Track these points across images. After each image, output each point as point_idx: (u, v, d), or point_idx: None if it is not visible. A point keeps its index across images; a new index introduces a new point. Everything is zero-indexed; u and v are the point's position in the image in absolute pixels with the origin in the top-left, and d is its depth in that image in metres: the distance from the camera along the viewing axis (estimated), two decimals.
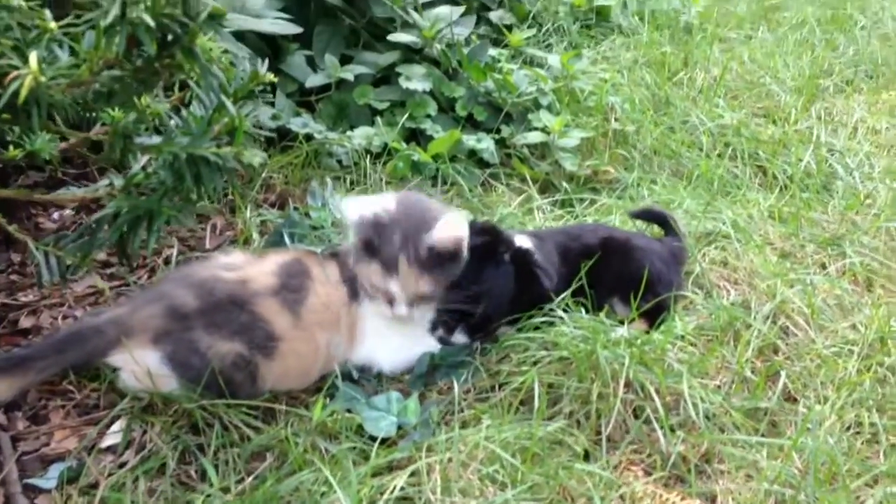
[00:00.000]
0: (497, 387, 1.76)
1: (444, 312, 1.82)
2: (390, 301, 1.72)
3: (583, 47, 3.51)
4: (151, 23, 1.11)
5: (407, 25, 2.90)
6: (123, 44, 1.11)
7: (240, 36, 2.61)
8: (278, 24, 2.69)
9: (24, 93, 1.08)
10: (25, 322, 1.87)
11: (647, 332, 1.91)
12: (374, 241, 1.69)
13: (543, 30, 3.54)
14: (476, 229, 1.85)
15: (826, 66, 3.66)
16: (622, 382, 1.67)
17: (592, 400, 1.67)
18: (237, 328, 1.61)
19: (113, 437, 1.60)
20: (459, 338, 1.85)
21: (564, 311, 1.83)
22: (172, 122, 1.29)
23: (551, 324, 1.83)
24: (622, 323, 1.92)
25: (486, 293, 1.83)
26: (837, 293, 2.10)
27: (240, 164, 1.25)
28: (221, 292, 1.62)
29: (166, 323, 1.59)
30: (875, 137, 3.07)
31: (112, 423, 1.63)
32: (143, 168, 1.28)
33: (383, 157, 2.58)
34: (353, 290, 1.75)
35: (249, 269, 1.69)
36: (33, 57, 1.11)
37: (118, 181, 1.26)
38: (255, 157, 1.25)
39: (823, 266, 2.27)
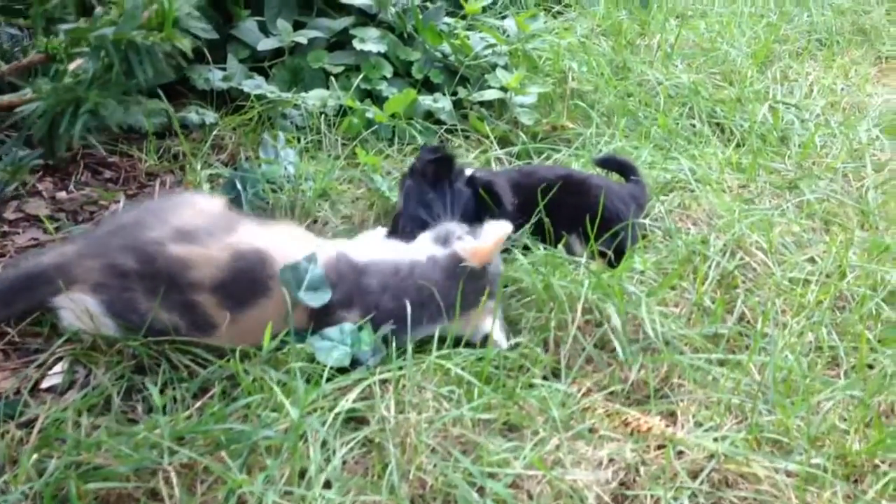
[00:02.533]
0: None
1: (407, 221, 1.80)
2: None
3: (540, 18, 3.50)
4: None
5: None
6: None
7: None
8: None
9: None
10: None
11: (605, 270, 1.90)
12: None
13: (500, 2, 3.53)
14: (431, 151, 1.88)
15: (781, 35, 3.69)
16: (580, 309, 1.64)
17: (551, 328, 1.64)
18: (175, 305, 1.53)
19: (55, 378, 1.54)
20: None
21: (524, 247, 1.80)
22: (98, 9, 1.24)
23: (512, 258, 1.80)
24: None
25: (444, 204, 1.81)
26: (795, 230, 2.09)
27: (173, 51, 1.20)
28: (162, 266, 1.52)
29: (106, 277, 1.53)
30: (831, 96, 3.09)
31: (54, 364, 1.57)
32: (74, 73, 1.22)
33: (338, 119, 2.54)
34: None
35: (201, 247, 1.53)
36: None
37: (46, 85, 1.21)
38: (187, 43, 1.20)
39: (782, 212, 2.27)
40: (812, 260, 1.98)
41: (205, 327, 1.53)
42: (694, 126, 2.78)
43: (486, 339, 1.59)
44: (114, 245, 1.55)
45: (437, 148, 1.89)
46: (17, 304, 1.58)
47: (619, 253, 1.93)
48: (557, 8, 3.70)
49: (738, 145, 2.69)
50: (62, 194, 2.13)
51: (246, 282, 1.54)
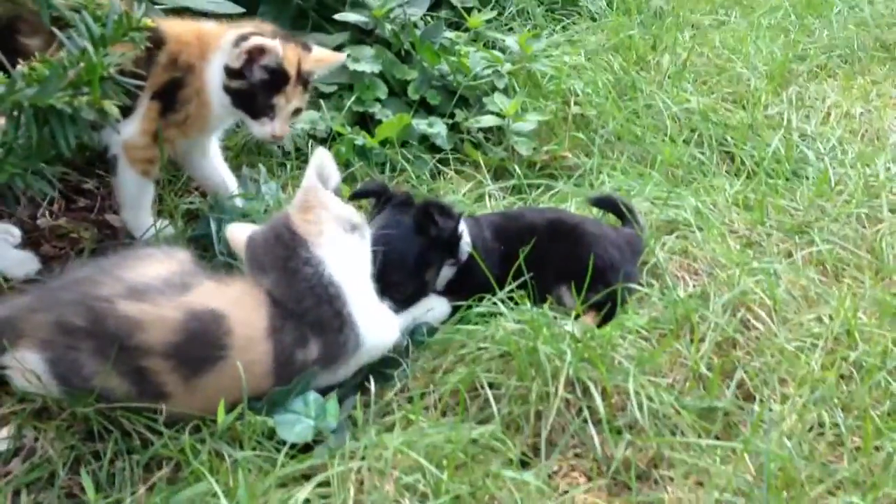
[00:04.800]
0: (431, 386, 1.61)
1: None
2: None
3: (547, 31, 3.37)
4: None
5: (357, 5, 2.75)
6: None
7: (177, 13, 2.46)
8: (217, 4, 2.54)
9: None
10: None
11: (599, 328, 1.78)
12: None
13: (507, 13, 3.39)
14: (364, 190, 1.87)
15: (800, 51, 3.53)
16: (563, 381, 1.53)
17: (532, 400, 1.53)
18: (126, 370, 1.42)
19: (0, 444, 1.45)
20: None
21: (507, 301, 1.69)
22: (19, 69, 1.13)
23: (492, 316, 1.69)
24: (570, 316, 1.79)
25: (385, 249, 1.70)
26: (803, 283, 1.96)
27: (99, 114, 1.09)
28: (112, 327, 1.41)
29: (52, 334, 1.43)
30: (849, 123, 2.94)
31: (1, 427, 1.48)
32: None
33: (328, 142, 2.43)
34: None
35: (154, 307, 1.43)
36: None
37: None
38: (111, 106, 1.09)
39: (790, 255, 2.14)
40: (819, 319, 1.85)
41: (156, 396, 1.43)
42: (703, 153, 2.65)
43: None
44: (64, 300, 1.46)
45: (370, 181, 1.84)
46: None
47: (613, 305, 1.81)
48: (566, 22, 3.55)
49: (748, 176, 2.56)
50: (35, 222, 2.05)
51: (200, 345, 1.43)
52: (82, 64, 1.07)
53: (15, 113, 1.03)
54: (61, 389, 1.45)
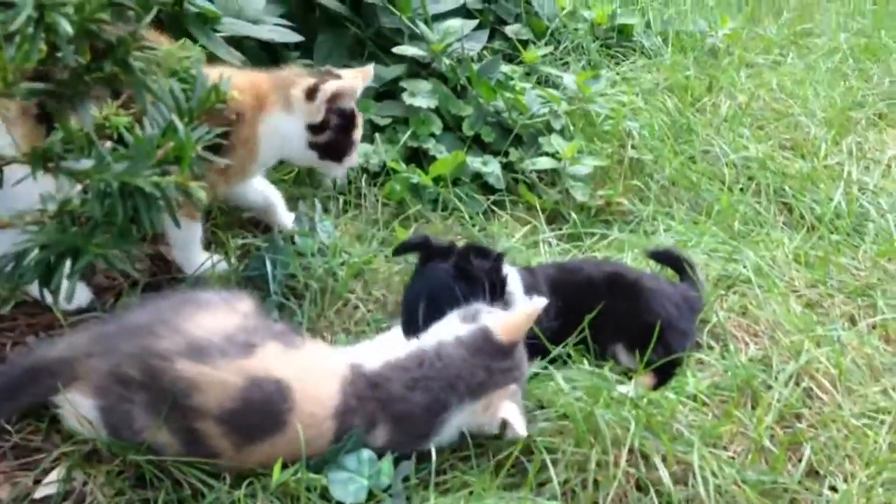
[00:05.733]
0: (485, 448, 1.57)
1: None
2: None
3: (602, 67, 3.32)
4: (69, 28, 0.93)
5: (415, 38, 2.73)
6: (37, 52, 0.94)
7: (237, 42, 2.46)
8: (277, 32, 2.54)
9: None
10: None
11: (655, 389, 1.74)
12: None
13: (561, 47, 3.36)
14: (407, 246, 1.83)
15: (859, 98, 3.46)
16: (625, 450, 1.49)
17: (590, 469, 1.49)
18: (178, 428, 1.40)
19: (50, 488, 1.43)
20: None
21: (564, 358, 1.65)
22: (108, 144, 1.11)
23: (548, 375, 1.65)
24: (626, 375, 1.76)
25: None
26: (867, 351, 1.90)
27: (185, 195, 1.07)
28: (168, 384, 1.39)
29: (107, 382, 1.41)
30: None
31: (52, 468, 1.46)
32: (84, 190, 1.10)
33: (381, 176, 2.41)
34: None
35: (214, 370, 1.39)
36: None
37: (52, 204, 1.09)
38: (199, 189, 1.07)
39: (852, 319, 2.08)
40: (885, 392, 1.79)
41: (207, 455, 1.41)
42: (759, 203, 2.59)
43: (504, 427, 1.50)
44: (121, 349, 1.43)
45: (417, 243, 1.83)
46: (21, 399, 1.49)
47: (671, 365, 1.76)
48: (621, 59, 3.51)
49: (809, 229, 2.49)
50: None
51: (259, 415, 1.40)
52: (171, 143, 1.05)
53: (102, 190, 1.00)
54: (111, 438, 1.44)
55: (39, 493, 1.43)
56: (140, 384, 1.39)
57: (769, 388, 1.72)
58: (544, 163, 2.46)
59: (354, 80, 1.93)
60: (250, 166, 1.90)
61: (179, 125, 1.08)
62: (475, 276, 1.72)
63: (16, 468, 1.47)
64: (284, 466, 1.38)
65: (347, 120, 1.87)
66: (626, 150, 2.64)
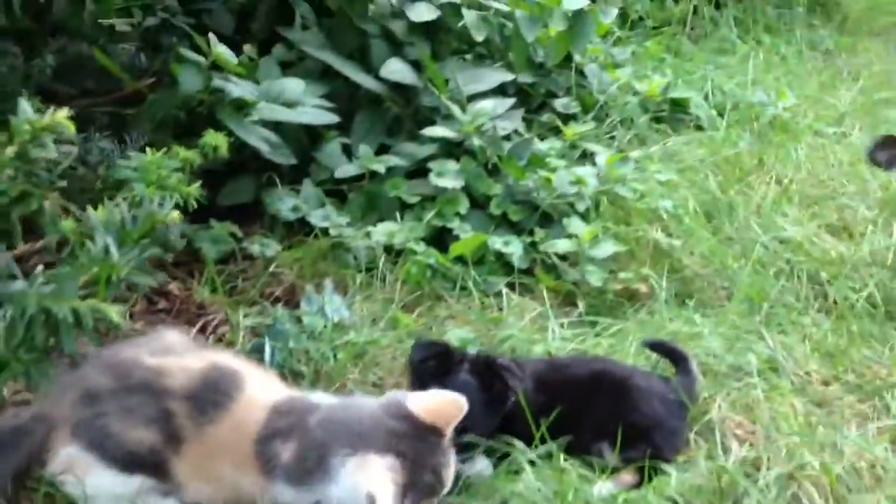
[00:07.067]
0: None
1: None
2: None
3: (650, 142, 3.31)
4: None
5: (449, 117, 2.81)
6: None
7: (275, 123, 2.59)
8: (315, 114, 2.67)
9: None
10: None
11: (637, 487, 1.73)
12: None
13: (608, 121, 3.37)
14: (424, 349, 1.80)
15: None
16: None
17: None
18: (150, 418, 1.52)
19: None
20: None
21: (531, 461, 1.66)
22: (40, 267, 1.22)
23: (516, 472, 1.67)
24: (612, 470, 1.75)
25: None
26: (870, 457, 1.82)
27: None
28: (138, 378, 1.54)
29: (80, 409, 1.53)
30: None
31: None
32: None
33: (404, 255, 2.48)
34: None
35: (177, 358, 1.58)
36: None
37: None
38: (115, 313, 1.15)
39: (865, 417, 1.99)
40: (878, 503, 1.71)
41: (175, 441, 1.51)
42: (787, 284, 2.51)
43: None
44: (89, 372, 1.58)
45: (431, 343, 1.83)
46: (6, 465, 1.56)
47: (655, 460, 1.75)
48: (671, 125, 3.49)
49: (838, 318, 2.41)
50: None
51: (214, 392, 1.53)
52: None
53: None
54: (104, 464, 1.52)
55: None
56: (111, 391, 1.52)
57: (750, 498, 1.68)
58: (563, 245, 2.48)
59: None
60: None
61: (113, 249, 1.17)
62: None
63: None
64: None
65: None
66: (655, 232, 2.62)
